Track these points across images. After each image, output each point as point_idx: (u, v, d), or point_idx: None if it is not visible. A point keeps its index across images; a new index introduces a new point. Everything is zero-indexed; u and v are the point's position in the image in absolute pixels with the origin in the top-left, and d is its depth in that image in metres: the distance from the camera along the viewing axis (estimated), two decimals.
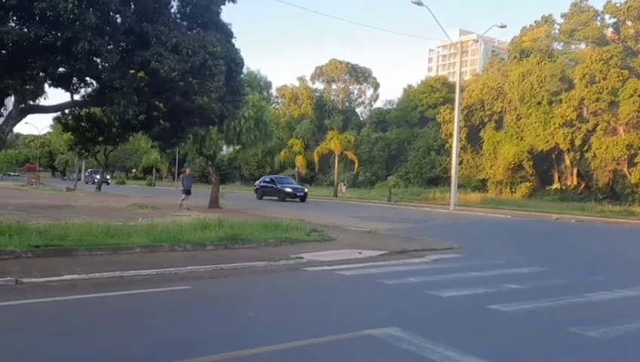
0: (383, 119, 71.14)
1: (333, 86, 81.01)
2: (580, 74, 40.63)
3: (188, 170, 26.94)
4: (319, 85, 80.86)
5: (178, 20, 12.13)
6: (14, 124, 12.25)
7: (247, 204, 28.75)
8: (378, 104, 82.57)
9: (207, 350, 4.78)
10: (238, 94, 13.64)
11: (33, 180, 48.12)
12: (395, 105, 75.72)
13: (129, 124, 12.53)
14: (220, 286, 7.99)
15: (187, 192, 23.03)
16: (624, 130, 39.38)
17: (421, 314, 6.62)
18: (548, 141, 42.37)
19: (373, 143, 62.23)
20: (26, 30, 9.94)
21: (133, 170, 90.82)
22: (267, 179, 38.38)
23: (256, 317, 6.22)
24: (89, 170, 71.75)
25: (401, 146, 61.18)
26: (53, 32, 10.05)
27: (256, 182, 39.85)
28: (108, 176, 66.93)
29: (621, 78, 38.94)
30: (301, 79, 79.62)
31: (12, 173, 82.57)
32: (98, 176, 63.01)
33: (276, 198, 34.35)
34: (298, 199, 34.30)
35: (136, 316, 6.25)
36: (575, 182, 44.16)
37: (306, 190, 36.81)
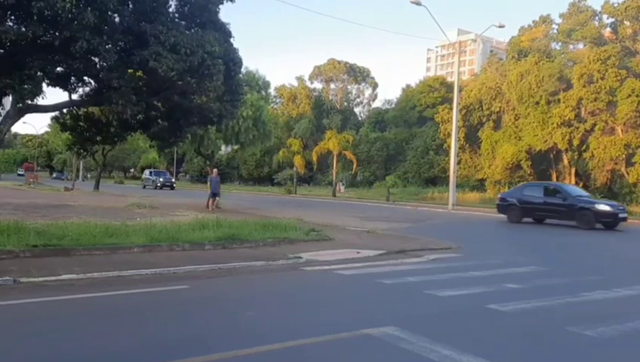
0: (381, 119, 71.28)
1: (332, 86, 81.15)
2: (578, 74, 40.66)
3: (215, 171, 24.37)
4: (318, 85, 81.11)
5: (176, 20, 12.17)
6: (12, 124, 12.27)
7: (246, 203, 28.73)
8: (376, 104, 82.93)
9: (205, 349, 4.78)
10: (237, 94, 13.69)
11: (32, 179, 48.06)
12: (393, 105, 75.90)
13: (127, 123, 12.59)
14: (218, 286, 7.99)
15: (214, 194, 22.30)
16: (622, 130, 39.42)
17: (419, 314, 6.62)
18: (546, 141, 42.39)
19: (371, 143, 62.31)
20: (24, 29, 9.96)
21: (132, 170, 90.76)
22: (538, 189, 21.96)
23: (254, 316, 6.22)
24: (150, 171, 56.71)
25: (399, 146, 61.28)
26: (52, 32, 10.07)
27: (503, 195, 24.13)
28: (173, 179, 55.52)
29: (619, 77, 38.95)
30: (299, 79, 79.84)
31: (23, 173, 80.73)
32: (161, 179, 51.25)
33: (570, 221, 19.93)
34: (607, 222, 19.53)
35: (135, 315, 6.25)
36: (573, 182, 44.11)
37: (624, 208, 21.64)
